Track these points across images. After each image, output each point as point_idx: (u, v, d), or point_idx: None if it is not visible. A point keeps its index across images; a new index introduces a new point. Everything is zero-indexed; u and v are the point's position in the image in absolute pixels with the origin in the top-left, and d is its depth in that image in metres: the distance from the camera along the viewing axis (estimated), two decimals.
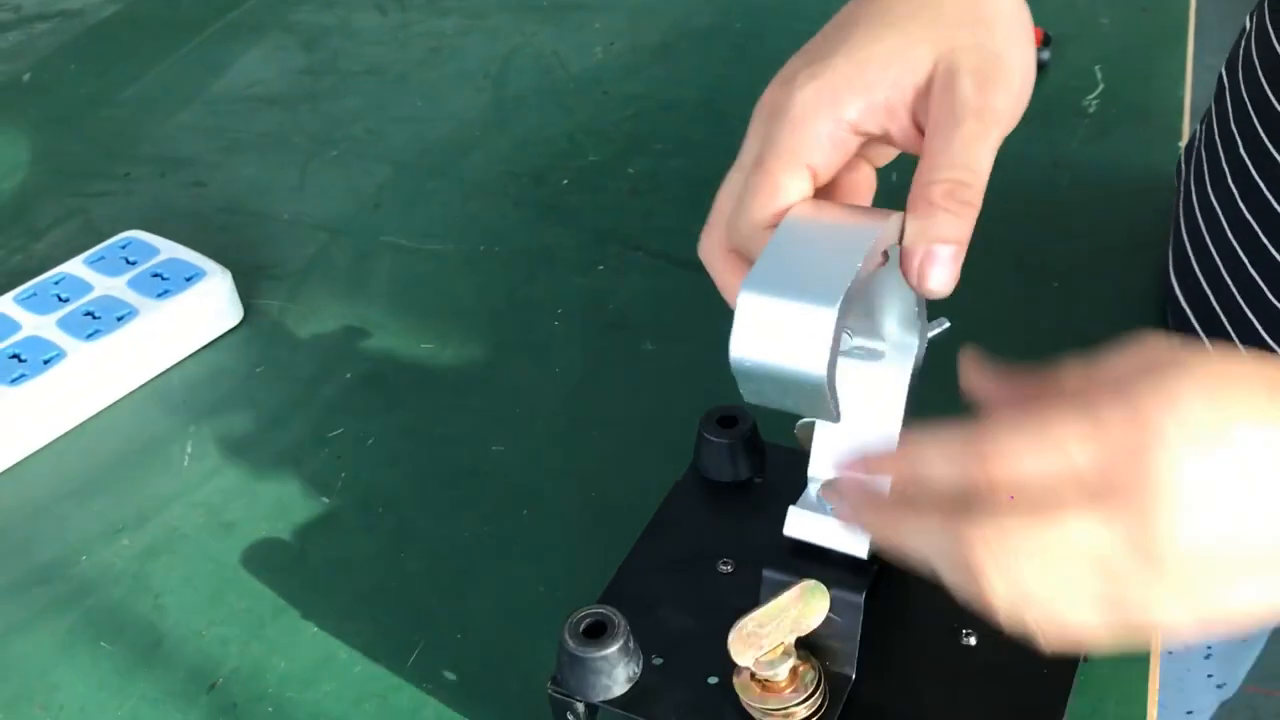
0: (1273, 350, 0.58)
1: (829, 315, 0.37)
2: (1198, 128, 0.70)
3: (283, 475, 0.61)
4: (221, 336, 0.70)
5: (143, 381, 0.67)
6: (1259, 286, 0.60)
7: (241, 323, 0.71)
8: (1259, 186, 0.58)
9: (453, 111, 0.89)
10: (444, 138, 0.86)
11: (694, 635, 0.45)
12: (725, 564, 0.48)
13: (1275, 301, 0.59)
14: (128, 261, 0.70)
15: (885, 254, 0.40)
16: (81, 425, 0.65)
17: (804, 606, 0.41)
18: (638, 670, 0.44)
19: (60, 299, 0.68)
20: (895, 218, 0.39)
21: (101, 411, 0.66)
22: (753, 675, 0.42)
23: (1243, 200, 0.59)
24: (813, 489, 0.45)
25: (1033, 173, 0.77)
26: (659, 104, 0.88)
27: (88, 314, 0.66)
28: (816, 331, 0.37)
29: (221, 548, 0.58)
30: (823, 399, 0.38)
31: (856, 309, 0.42)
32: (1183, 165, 0.70)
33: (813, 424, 0.45)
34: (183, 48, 1.00)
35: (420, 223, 0.78)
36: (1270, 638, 0.86)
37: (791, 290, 0.37)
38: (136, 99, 0.94)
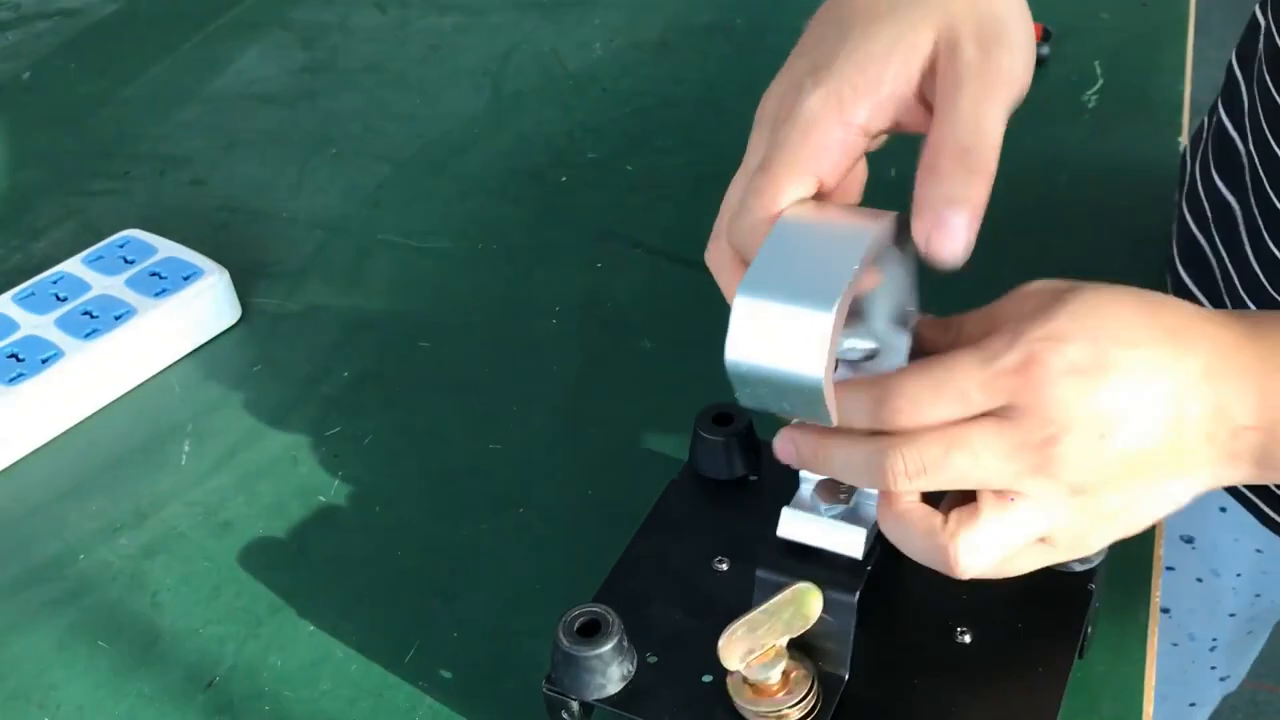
0: None
1: (826, 319, 0.36)
2: (1204, 119, 0.70)
3: (280, 474, 0.61)
4: (219, 335, 0.70)
5: (140, 381, 0.67)
6: (1259, 281, 0.60)
7: (239, 321, 0.71)
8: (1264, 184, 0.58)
9: (451, 109, 0.89)
10: (443, 135, 0.86)
11: (689, 633, 0.45)
12: (721, 562, 0.48)
13: (1276, 295, 0.59)
14: (126, 261, 0.70)
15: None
16: (79, 424, 0.65)
17: (796, 609, 0.41)
18: (632, 669, 0.44)
19: (58, 298, 0.68)
20: (890, 218, 0.39)
21: (99, 411, 0.66)
22: (745, 678, 0.41)
23: (1254, 194, 0.59)
24: (805, 489, 0.45)
25: (1032, 168, 0.77)
26: (658, 101, 0.88)
27: (86, 313, 0.67)
28: (813, 335, 0.37)
29: (219, 546, 0.58)
30: (819, 403, 0.38)
31: (850, 308, 0.42)
32: (1188, 157, 0.70)
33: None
34: (182, 46, 1.00)
35: (419, 221, 0.78)
36: (1272, 634, 0.86)
37: (787, 293, 0.37)
38: (136, 97, 0.94)
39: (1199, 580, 0.75)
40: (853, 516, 0.44)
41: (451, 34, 0.98)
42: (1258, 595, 0.76)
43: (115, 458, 0.63)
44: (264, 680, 0.51)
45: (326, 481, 0.60)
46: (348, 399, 0.65)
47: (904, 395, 0.39)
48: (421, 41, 0.97)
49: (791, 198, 0.40)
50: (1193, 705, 0.86)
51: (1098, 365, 0.37)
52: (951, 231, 0.39)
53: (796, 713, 0.41)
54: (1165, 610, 0.78)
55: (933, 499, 0.41)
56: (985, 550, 0.39)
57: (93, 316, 0.66)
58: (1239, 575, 0.74)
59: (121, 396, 0.66)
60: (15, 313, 0.67)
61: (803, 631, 0.41)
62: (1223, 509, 0.71)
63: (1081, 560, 0.46)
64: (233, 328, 0.70)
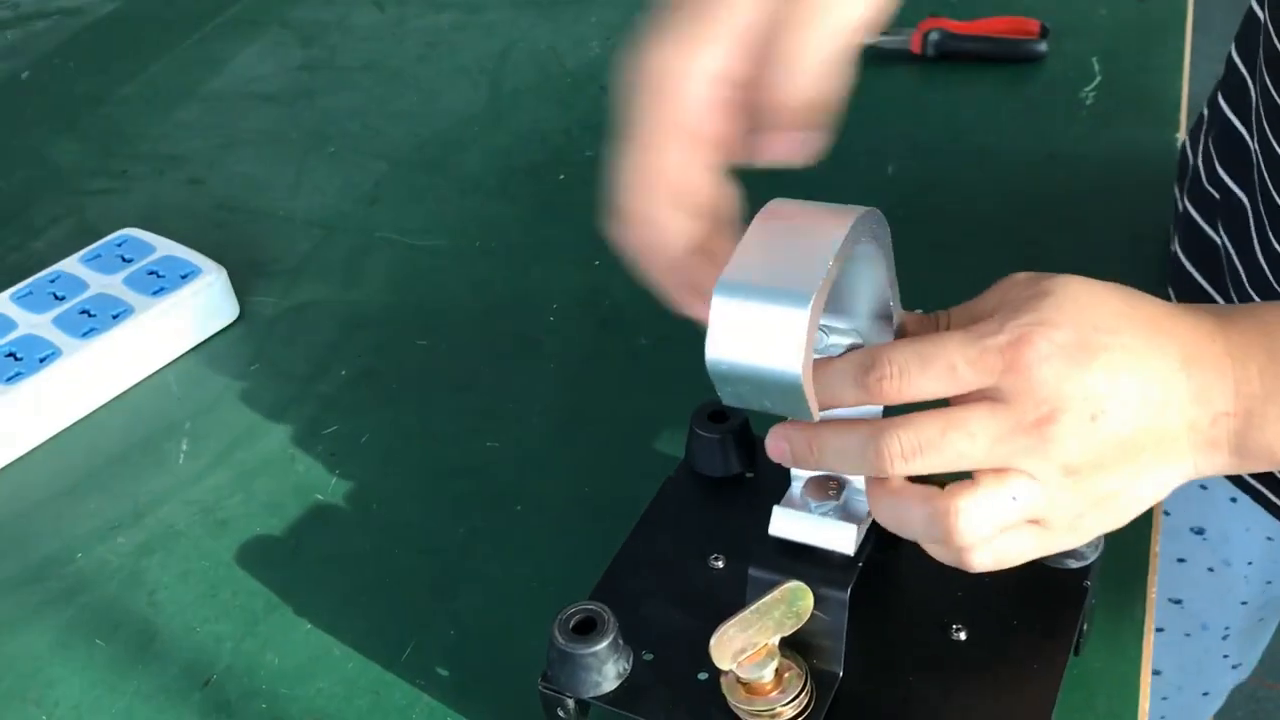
0: None
1: (802, 315, 0.37)
2: (1203, 111, 0.70)
3: (277, 472, 0.61)
4: (217, 334, 0.70)
5: (138, 379, 0.67)
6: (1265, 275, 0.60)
7: (237, 320, 0.71)
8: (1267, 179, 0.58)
9: (449, 107, 0.89)
10: (440, 133, 0.86)
11: (684, 631, 0.45)
12: (716, 559, 0.48)
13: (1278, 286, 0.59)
14: (123, 259, 0.70)
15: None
16: (77, 423, 0.65)
17: (787, 607, 0.41)
18: (628, 666, 0.44)
19: (56, 297, 0.68)
20: (864, 212, 0.39)
21: (97, 409, 0.66)
22: (738, 677, 0.41)
23: (1261, 192, 0.59)
24: (796, 487, 0.45)
25: (1029, 165, 0.77)
26: None
27: (83, 312, 0.67)
28: (790, 332, 0.37)
29: (216, 545, 0.58)
30: (799, 398, 0.38)
31: (829, 304, 0.42)
32: (1189, 149, 0.70)
33: None
34: (181, 45, 1.00)
35: (416, 219, 0.78)
36: (1274, 632, 0.86)
37: (763, 291, 0.37)
38: (134, 96, 0.94)
39: (1210, 570, 0.76)
40: (843, 513, 0.44)
41: (449, 32, 0.98)
42: (1269, 582, 0.76)
43: (113, 456, 0.63)
44: (261, 678, 0.51)
45: (324, 480, 0.60)
46: (345, 397, 0.65)
47: (893, 363, 0.39)
48: (419, 40, 0.97)
49: (675, 166, 0.41)
50: (1206, 694, 0.86)
51: (1084, 348, 0.38)
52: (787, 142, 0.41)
53: (790, 711, 0.41)
54: (1177, 602, 0.78)
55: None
56: (983, 516, 0.39)
57: (90, 315, 0.66)
58: (1250, 564, 0.75)
59: (119, 395, 0.66)
60: (13, 312, 0.67)
61: (794, 630, 0.41)
62: (1233, 499, 0.71)
63: (1076, 556, 0.46)
64: (230, 326, 0.70)
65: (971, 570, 0.41)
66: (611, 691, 0.44)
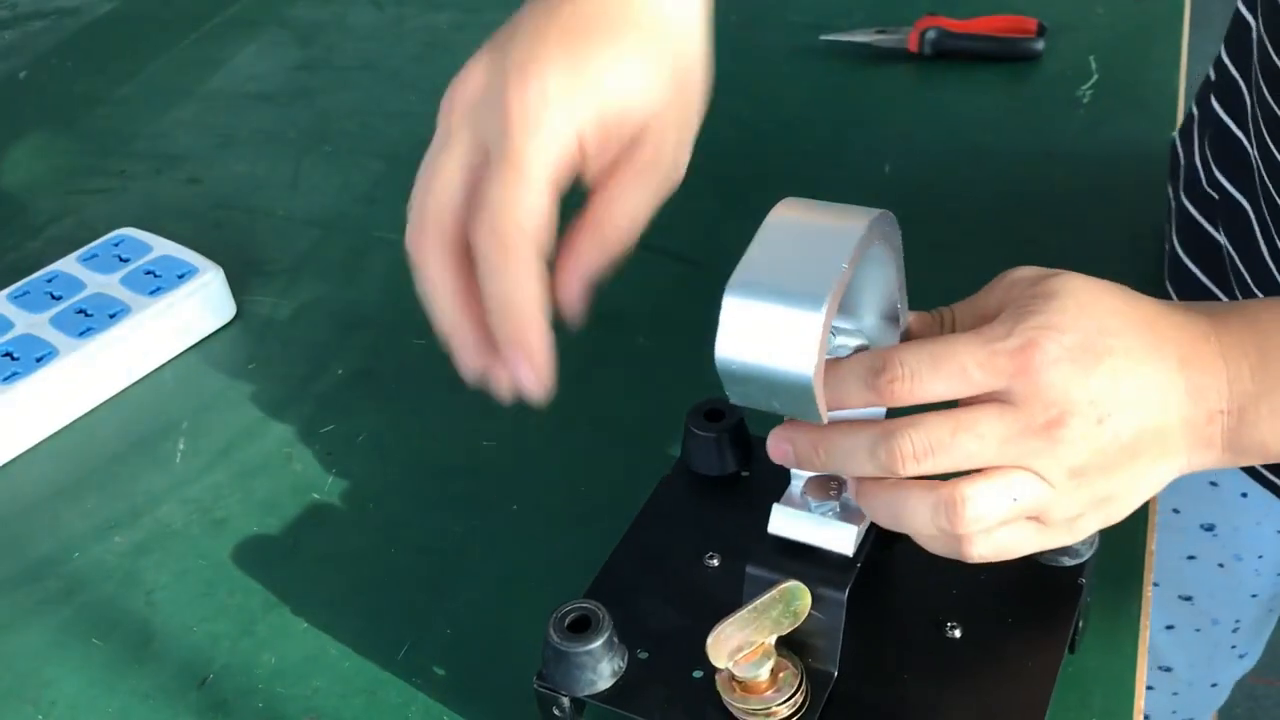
0: None
1: (816, 319, 0.37)
2: (1192, 110, 0.70)
3: (274, 472, 0.61)
4: (214, 333, 0.70)
5: (135, 379, 0.67)
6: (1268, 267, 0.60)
7: (234, 319, 0.71)
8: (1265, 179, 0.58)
9: None
10: None
11: (680, 630, 0.45)
12: (712, 558, 0.48)
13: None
14: (120, 259, 0.70)
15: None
16: (74, 423, 0.65)
17: (785, 607, 0.41)
18: (623, 665, 0.44)
19: (53, 297, 0.68)
20: (877, 215, 0.39)
21: (94, 409, 0.66)
22: (733, 675, 0.41)
23: (1264, 197, 0.59)
24: (796, 485, 0.45)
25: (1026, 164, 0.77)
26: None
27: (80, 312, 0.67)
28: (803, 334, 0.37)
29: (213, 544, 0.58)
30: (810, 401, 0.38)
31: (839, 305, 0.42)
32: (1179, 148, 0.70)
33: None
34: (179, 44, 1.00)
35: None
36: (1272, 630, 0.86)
37: (777, 292, 0.37)
38: (132, 96, 0.95)
39: (1220, 566, 0.76)
40: (843, 513, 0.44)
41: (447, 31, 0.98)
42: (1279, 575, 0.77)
43: (110, 456, 0.63)
44: (257, 677, 0.51)
45: (320, 479, 0.60)
46: (342, 397, 0.65)
47: (904, 365, 0.39)
48: (417, 39, 0.97)
49: (543, 194, 0.42)
50: (1214, 685, 0.87)
51: (1090, 352, 0.39)
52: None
53: (785, 710, 0.41)
54: (1188, 598, 0.79)
55: None
56: (989, 504, 0.39)
57: (87, 315, 0.66)
58: (1261, 557, 0.75)
59: (116, 395, 0.66)
60: (10, 311, 0.67)
61: (791, 630, 0.41)
62: (1244, 494, 0.71)
63: (1071, 554, 0.46)
64: (227, 326, 0.70)
65: (969, 560, 0.41)
66: (607, 690, 0.44)
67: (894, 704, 0.43)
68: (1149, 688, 0.83)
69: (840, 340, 0.43)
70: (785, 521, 0.44)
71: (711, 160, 0.80)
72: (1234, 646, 0.84)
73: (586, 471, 0.59)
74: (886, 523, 0.42)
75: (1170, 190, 0.69)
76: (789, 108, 0.85)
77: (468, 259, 0.44)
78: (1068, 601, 0.46)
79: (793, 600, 0.41)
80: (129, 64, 0.98)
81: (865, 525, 0.44)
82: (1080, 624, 0.47)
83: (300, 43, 0.99)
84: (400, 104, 0.90)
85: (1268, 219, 0.59)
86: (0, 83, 0.98)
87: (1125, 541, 0.52)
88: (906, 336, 0.43)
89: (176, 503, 0.60)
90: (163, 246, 0.71)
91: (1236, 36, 0.64)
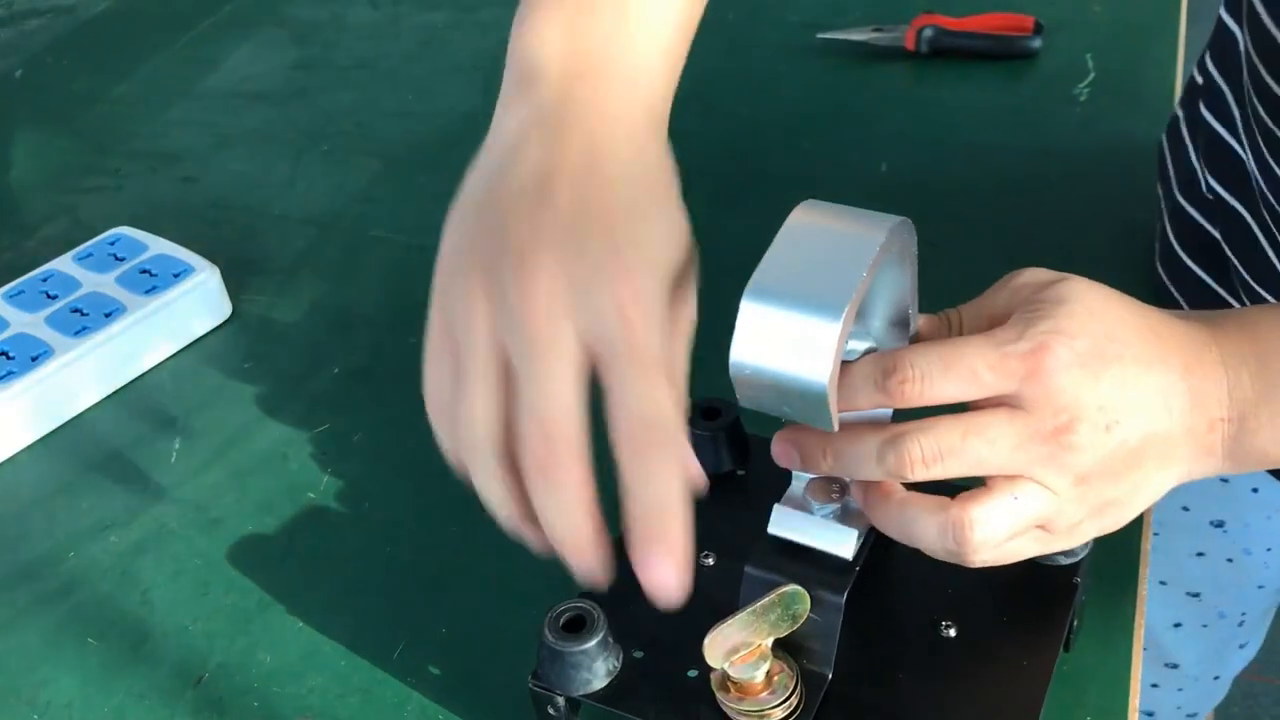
0: None
1: (833, 329, 0.37)
2: (1177, 112, 0.69)
3: (270, 471, 0.61)
4: (210, 332, 0.70)
5: (131, 378, 0.67)
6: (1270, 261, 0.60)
7: (230, 319, 0.71)
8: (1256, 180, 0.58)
9: (443, 105, 0.89)
10: (434, 132, 0.86)
11: (674, 629, 0.45)
12: (707, 557, 0.48)
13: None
14: (116, 258, 0.70)
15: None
16: (69, 422, 0.65)
17: (783, 611, 0.41)
18: (617, 664, 0.44)
19: (48, 296, 0.68)
20: (896, 223, 0.39)
21: (89, 408, 0.66)
22: (728, 676, 0.41)
23: (1265, 206, 0.59)
24: (797, 487, 0.45)
25: (1023, 162, 0.77)
26: None
27: (75, 311, 0.67)
28: (820, 343, 0.37)
29: (208, 543, 0.58)
30: (823, 409, 0.38)
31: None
32: (1166, 151, 0.70)
33: None
34: (175, 43, 1.00)
35: (410, 217, 0.78)
36: (1270, 627, 0.86)
37: (795, 300, 0.37)
38: (128, 95, 0.94)
39: (1230, 561, 0.76)
40: (844, 516, 0.44)
41: (443, 30, 0.98)
42: None
43: (105, 455, 0.63)
44: (253, 676, 0.51)
45: (316, 478, 0.60)
46: (338, 396, 0.65)
47: (915, 366, 0.39)
48: (413, 38, 0.97)
49: (670, 387, 0.39)
50: (1217, 678, 0.87)
51: (1100, 358, 0.39)
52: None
53: (780, 712, 0.41)
54: (1196, 595, 0.79)
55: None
56: (997, 524, 0.40)
57: (83, 314, 0.66)
58: (1269, 550, 0.75)
59: (111, 394, 0.66)
60: (5, 310, 0.67)
61: (789, 633, 0.41)
62: (1255, 490, 0.71)
63: (1067, 553, 0.46)
64: (223, 325, 0.70)
65: (969, 566, 0.41)
66: (602, 689, 0.44)
67: (889, 703, 0.43)
68: (1154, 685, 0.83)
69: (851, 344, 0.43)
70: (785, 522, 0.44)
71: (707, 158, 0.80)
72: (1238, 639, 0.84)
73: None
74: (893, 535, 0.42)
75: (1161, 190, 0.69)
76: (786, 106, 0.85)
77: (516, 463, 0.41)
78: (1063, 600, 0.46)
79: (792, 604, 0.41)
80: (125, 63, 0.98)
81: (866, 529, 0.44)
82: (1075, 623, 0.47)
83: (297, 42, 0.99)
84: (397, 103, 0.89)
85: (1270, 226, 0.59)
86: None
87: (1121, 540, 0.51)
88: (915, 340, 0.43)
89: (172, 502, 0.60)
90: (158, 245, 0.71)
91: (1221, 45, 0.64)
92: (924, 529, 0.41)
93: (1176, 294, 0.66)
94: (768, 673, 0.41)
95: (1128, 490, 0.40)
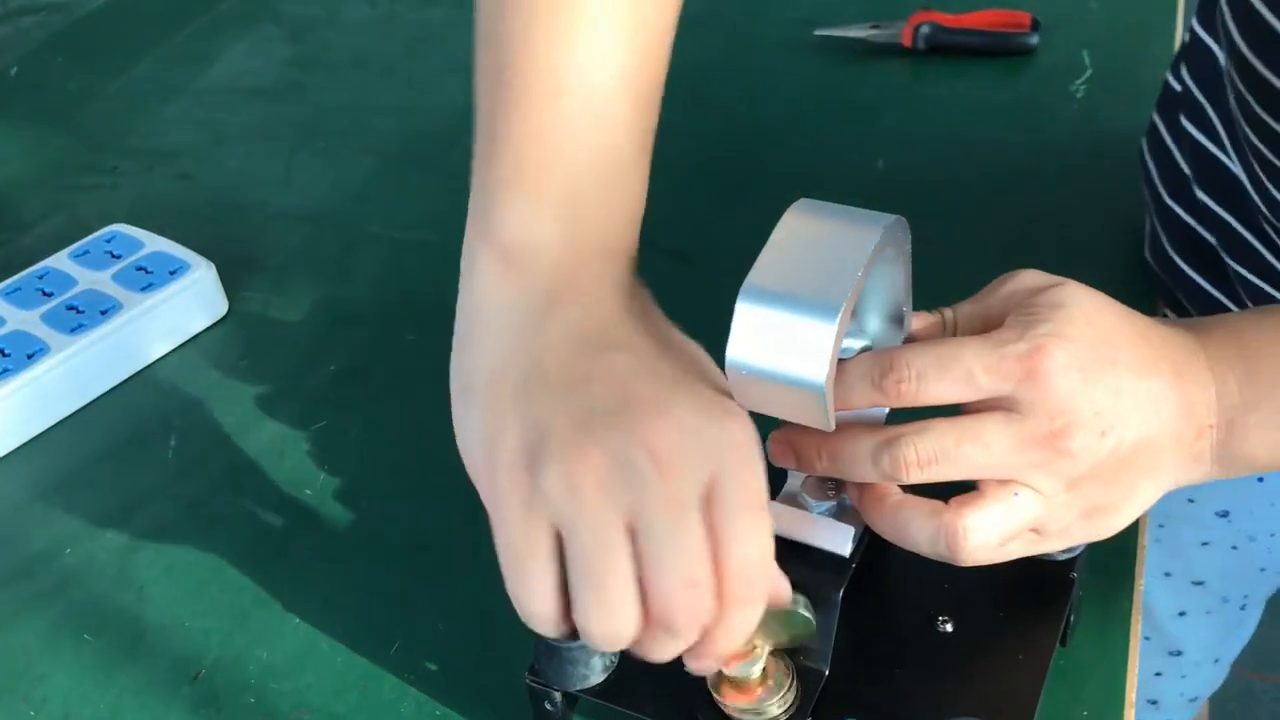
0: None
1: (830, 329, 0.37)
2: (1154, 116, 0.69)
3: (266, 468, 0.61)
4: (206, 329, 0.70)
5: (127, 375, 0.67)
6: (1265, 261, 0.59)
7: (226, 316, 0.71)
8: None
9: (439, 102, 0.89)
10: (430, 128, 0.86)
11: None
12: None
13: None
14: (112, 255, 0.70)
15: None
16: (66, 419, 0.65)
17: (781, 623, 0.41)
18: (614, 659, 0.44)
19: (44, 293, 0.68)
20: (892, 221, 0.39)
21: (86, 405, 0.66)
22: (724, 674, 0.41)
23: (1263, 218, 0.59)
24: (794, 483, 0.45)
25: (1020, 158, 0.77)
26: None
27: (71, 308, 0.66)
28: (817, 343, 0.37)
29: (205, 540, 0.58)
30: (820, 409, 0.38)
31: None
32: (1148, 157, 0.70)
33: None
34: (170, 40, 1.00)
35: (406, 214, 0.78)
36: (1266, 624, 0.87)
37: (792, 300, 0.37)
38: (124, 92, 0.94)
39: (1234, 548, 0.76)
40: (841, 513, 0.44)
41: (439, 27, 0.98)
42: None
43: (102, 452, 0.63)
44: (250, 672, 0.51)
45: (313, 475, 0.60)
46: (334, 393, 0.65)
47: (911, 366, 0.39)
48: (409, 34, 0.97)
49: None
50: (1217, 661, 0.87)
51: (1096, 363, 0.39)
52: None
53: (775, 708, 0.41)
54: (1200, 583, 0.79)
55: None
56: (989, 531, 0.40)
57: (79, 311, 0.66)
58: (1273, 535, 0.76)
59: (108, 391, 0.66)
60: (1, 308, 0.67)
61: (783, 646, 0.42)
62: (1260, 479, 0.72)
63: (1064, 549, 0.46)
64: (219, 322, 0.70)
65: (960, 566, 0.41)
66: (598, 684, 0.44)
67: (886, 700, 0.43)
68: (1157, 674, 0.84)
69: (845, 342, 0.43)
70: (782, 519, 0.44)
71: (704, 155, 0.80)
72: (1240, 622, 0.85)
73: None
74: (887, 537, 0.42)
75: (1148, 194, 0.69)
76: (783, 103, 0.85)
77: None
78: (1060, 595, 0.46)
79: (792, 624, 0.41)
80: (120, 60, 0.98)
81: (863, 526, 0.43)
82: (1072, 618, 0.47)
83: (292, 38, 0.99)
84: (393, 99, 0.89)
85: (1272, 237, 0.59)
86: None
87: (1118, 534, 0.52)
88: (909, 338, 0.43)
89: (168, 499, 0.60)
90: (154, 243, 0.71)
91: (1197, 59, 0.63)
92: (917, 534, 0.41)
93: (1169, 285, 0.66)
94: (764, 670, 0.41)
95: (1117, 497, 0.41)
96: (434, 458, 0.61)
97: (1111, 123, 0.79)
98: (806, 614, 0.41)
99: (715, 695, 0.42)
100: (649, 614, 0.37)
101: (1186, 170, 0.65)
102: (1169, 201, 0.66)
